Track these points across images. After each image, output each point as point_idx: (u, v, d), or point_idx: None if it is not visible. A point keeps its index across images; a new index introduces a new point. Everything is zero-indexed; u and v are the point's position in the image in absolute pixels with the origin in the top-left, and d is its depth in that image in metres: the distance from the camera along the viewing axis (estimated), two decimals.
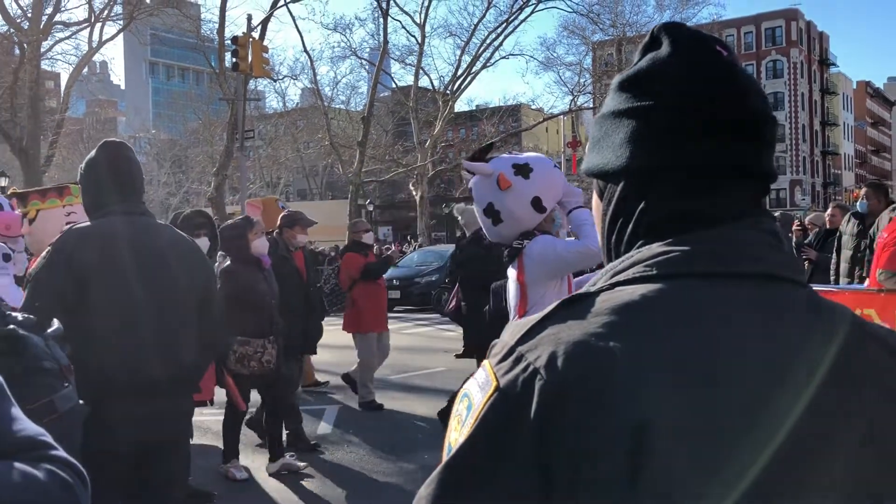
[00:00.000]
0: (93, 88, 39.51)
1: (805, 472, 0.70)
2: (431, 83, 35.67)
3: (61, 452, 0.91)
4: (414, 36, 33.98)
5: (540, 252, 3.34)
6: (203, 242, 4.61)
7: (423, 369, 9.27)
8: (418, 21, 32.90)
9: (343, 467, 5.32)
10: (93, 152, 2.84)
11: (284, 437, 5.48)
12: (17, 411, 0.92)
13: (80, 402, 1.70)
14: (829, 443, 0.71)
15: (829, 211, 7.83)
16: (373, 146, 35.43)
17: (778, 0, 67.71)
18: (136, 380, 2.63)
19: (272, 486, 5.01)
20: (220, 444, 5.23)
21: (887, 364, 0.77)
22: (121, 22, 28.59)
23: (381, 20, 31.21)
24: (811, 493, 0.70)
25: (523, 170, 3.39)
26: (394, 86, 38.99)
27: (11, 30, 25.77)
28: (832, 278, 6.39)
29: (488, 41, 32.92)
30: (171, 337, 2.75)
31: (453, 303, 7.57)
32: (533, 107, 44.48)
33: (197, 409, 4.50)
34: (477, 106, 49.82)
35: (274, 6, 26.59)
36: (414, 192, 33.60)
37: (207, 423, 6.13)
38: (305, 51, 55.07)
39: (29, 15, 25.83)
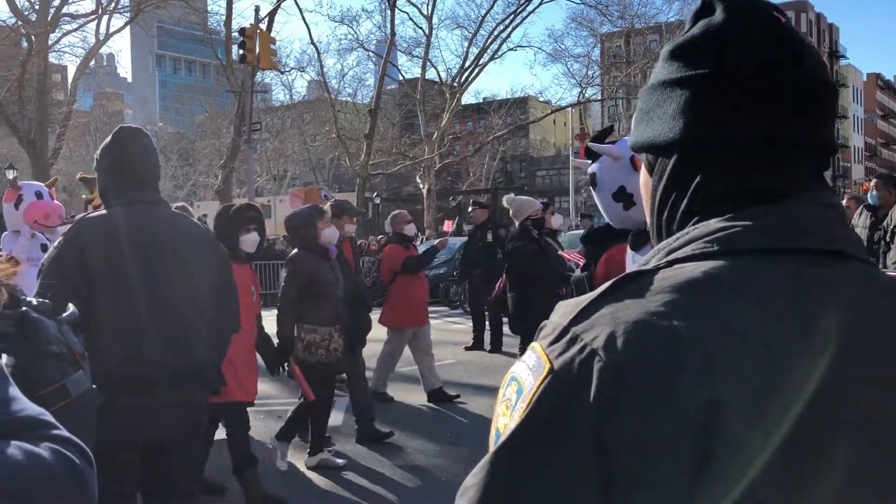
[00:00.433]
0: (100, 81, 39.50)
1: (887, 457, 0.66)
2: (439, 75, 35.63)
3: (63, 431, 0.89)
4: (421, 27, 34.06)
5: None
6: (252, 237, 4.48)
7: None
8: (426, 13, 32.84)
9: (352, 460, 5.31)
10: (108, 138, 2.80)
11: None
12: (15, 391, 0.90)
13: (94, 386, 1.67)
14: None
15: (843, 202, 7.78)
16: (380, 139, 35.41)
17: None
18: (147, 371, 2.59)
19: (283, 474, 5.00)
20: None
21: None
22: (128, 14, 28.61)
23: (389, 12, 31.24)
24: (892, 476, 0.66)
25: None
26: (401, 78, 38.94)
27: (19, 22, 25.83)
28: None
29: (496, 33, 32.90)
30: (183, 328, 2.70)
31: (497, 291, 8.09)
32: (541, 99, 44.45)
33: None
34: (484, 98, 49.84)
35: None
36: (421, 185, 33.57)
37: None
38: (312, 43, 55.45)
39: (36, 7, 25.93)
